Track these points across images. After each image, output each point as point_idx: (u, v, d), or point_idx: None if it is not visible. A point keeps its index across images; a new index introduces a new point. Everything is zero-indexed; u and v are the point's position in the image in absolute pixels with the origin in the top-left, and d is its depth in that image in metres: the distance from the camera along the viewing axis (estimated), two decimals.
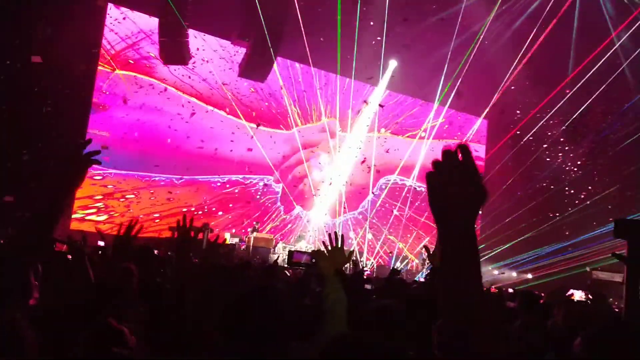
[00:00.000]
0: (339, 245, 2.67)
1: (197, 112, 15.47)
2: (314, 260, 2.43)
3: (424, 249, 3.58)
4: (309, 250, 14.08)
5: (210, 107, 15.72)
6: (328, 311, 2.14)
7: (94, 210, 13.51)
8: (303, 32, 14.58)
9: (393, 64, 17.23)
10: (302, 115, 17.38)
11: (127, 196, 14.15)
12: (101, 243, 8.13)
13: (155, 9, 13.85)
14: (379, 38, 15.68)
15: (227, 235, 14.63)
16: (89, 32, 13.19)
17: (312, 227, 16.60)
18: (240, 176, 16.27)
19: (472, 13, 15.46)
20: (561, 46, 15.38)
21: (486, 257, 17.72)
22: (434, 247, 2.82)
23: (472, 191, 1.07)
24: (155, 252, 6.51)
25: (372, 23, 15.38)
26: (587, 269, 15.58)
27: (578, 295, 5.64)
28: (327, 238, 2.68)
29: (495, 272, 17.18)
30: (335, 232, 2.73)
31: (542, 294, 5.50)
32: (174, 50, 14.07)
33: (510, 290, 7.37)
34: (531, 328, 3.14)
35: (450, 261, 1.07)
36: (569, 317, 3.74)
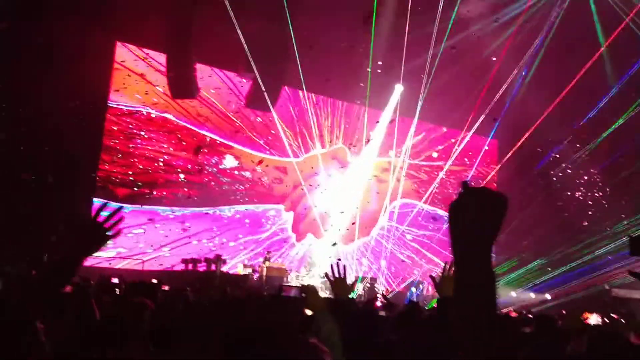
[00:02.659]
0: (342, 276, 2.67)
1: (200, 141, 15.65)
2: (303, 295, 2.43)
3: (430, 279, 3.55)
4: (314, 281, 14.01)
5: (216, 138, 15.87)
6: (323, 343, 2.14)
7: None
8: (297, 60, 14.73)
9: (399, 88, 17.30)
10: (311, 142, 17.47)
11: (135, 231, 14.18)
12: (115, 280, 8.20)
13: (162, 45, 14.15)
14: (380, 63, 15.80)
15: (240, 266, 14.62)
16: (98, 71, 13.47)
17: (323, 255, 16.49)
18: (251, 206, 16.32)
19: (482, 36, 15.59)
20: (574, 63, 15.33)
21: (503, 280, 17.47)
22: (440, 276, 2.81)
23: (490, 215, 1.10)
24: (166, 288, 6.54)
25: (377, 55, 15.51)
26: (606, 286, 15.31)
27: (594, 319, 5.48)
28: (329, 270, 2.69)
29: (513, 293, 16.88)
30: (338, 263, 2.73)
31: (557, 317, 5.39)
32: (183, 85, 14.32)
33: (530, 315, 7.22)
34: (541, 353, 3.08)
35: (466, 290, 1.09)
36: (593, 344, 3.64)
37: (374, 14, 14.46)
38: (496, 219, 1.09)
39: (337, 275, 2.64)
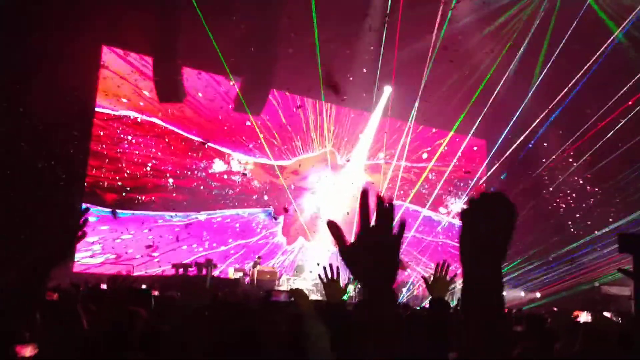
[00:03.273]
0: (336, 278, 2.65)
1: (191, 144, 15.58)
2: (292, 299, 2.42)
3: (422, 280, 3.55)
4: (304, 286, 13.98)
5: (205, 142, 15.79)
6: (313, 347, 2.13)
7: (89, 253, 13.39)
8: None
9: (388, 90, 17.31)
10: (301, 145, 17.45)
11: (123, 237, 14.06)
12: (103, 286, 8.12)
13: (148, 48, 14.05)
14: (366, 71, 15.77)
15: (231, 270, 14.56)
16: (84, 76, 13.34)
17: (313, 258, 16.46)
18: (240, 210, 16.25)
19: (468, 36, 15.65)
20: (561, 60, 15.44)
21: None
22: (432, 277, 2.81)
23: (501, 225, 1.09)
24: (155, 293, 6.48)
25: (372, 47, 15.45)
26: (596, 284, 15.43)
27: (585, 317, 5.52)
28: (322, 271, 2.66)
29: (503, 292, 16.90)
30: (331, 265, 2.70)
31: (547, 316, 5.41)
32: (169, 89, 14.24)
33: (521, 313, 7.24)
34: (530, 353, 3.09)
35: (474, 299, 1.09)
36: (587, 341, 3.63)
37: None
38: (508, 227, 1.09)
39: (330, 278, 2.62)
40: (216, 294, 8.96)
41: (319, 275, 2.69)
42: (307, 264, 15.88)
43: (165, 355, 3.07)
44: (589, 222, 16.63)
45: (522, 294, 16.86)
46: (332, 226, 1.24)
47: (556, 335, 3.81)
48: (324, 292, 2.66)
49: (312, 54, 14.40)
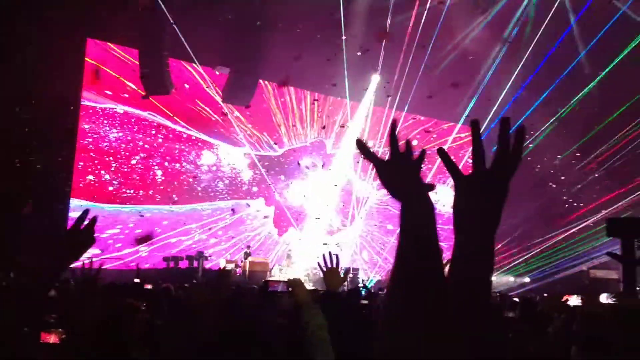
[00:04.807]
0: (335, 266, 2.61)
1: (181, 138, 15.47)
2: (290, 289, 2.38)
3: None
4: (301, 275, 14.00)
5: (192, 133, 15.69)
6: (312, 338, 2.12)
7: None
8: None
9: (376, 79, 17.19)
10: (292, 135, 17.39)
11: (109, 231, 13.96)
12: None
13: (134, 40, 13.86)
14: (359, 53, 15.70)
15: (222, 262, 14.54)
16: (69, 68, 13.14)
17: (303, 248, 16.48)
18: (231, 202, 16.19)
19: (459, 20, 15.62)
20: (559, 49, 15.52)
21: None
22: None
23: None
24: (149, 287, 6.46)
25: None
26: (584, 267, 15.64)
27: (574, 300, 5.60)
28: (321, 259, 2.62)
29: (493, 278, 17.03)
30: (330, 252, 2.67)
31: (539, 301, 5.48)
32: (156, 81, 14.04)
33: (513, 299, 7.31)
34: (523, 338, 3.12)
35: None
36: (582, 324, 3.67)
37: None
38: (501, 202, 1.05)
39: (329, 266, 2.59)
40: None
41: (318, 263, 2.65)
42: (298, 253, 15.88)
43: (164, 350, 3.06)
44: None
45: (512, 279, 17.02)
46: (361, 143, 1.19)
47: (549, 319, 3.85)
48: (317, 281, 2.66)
49: (302, 44, 14.26)
